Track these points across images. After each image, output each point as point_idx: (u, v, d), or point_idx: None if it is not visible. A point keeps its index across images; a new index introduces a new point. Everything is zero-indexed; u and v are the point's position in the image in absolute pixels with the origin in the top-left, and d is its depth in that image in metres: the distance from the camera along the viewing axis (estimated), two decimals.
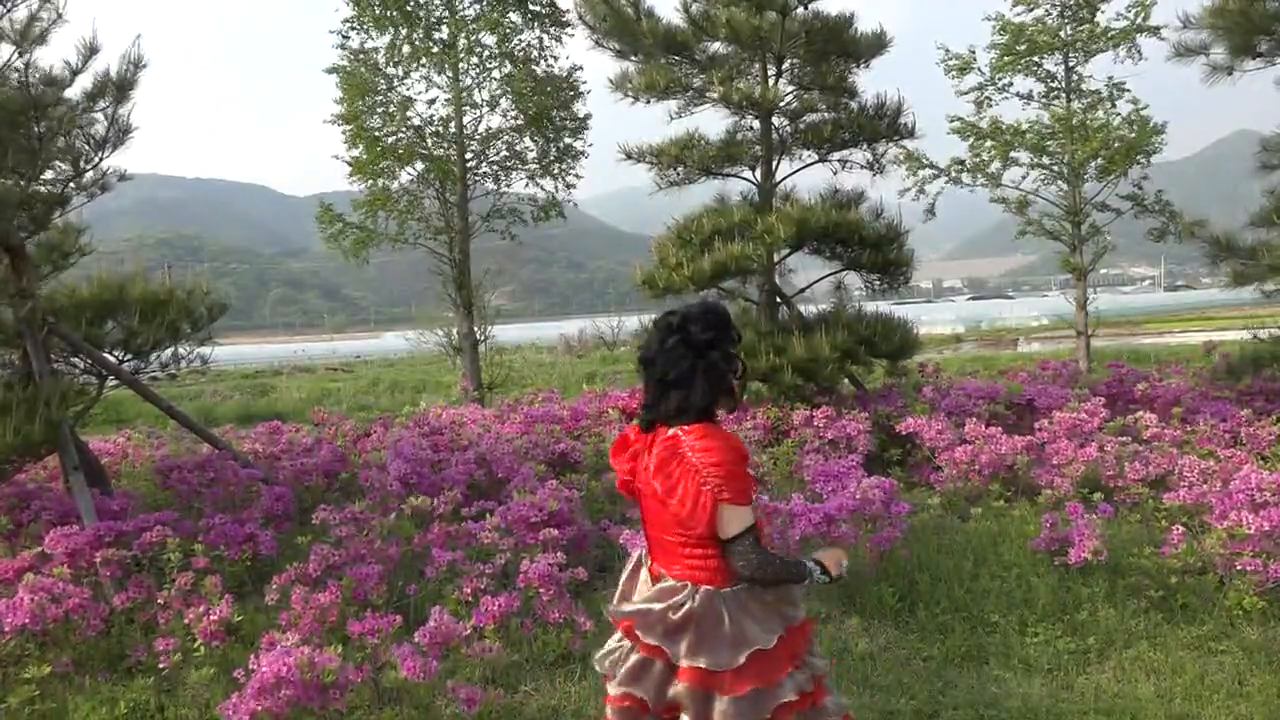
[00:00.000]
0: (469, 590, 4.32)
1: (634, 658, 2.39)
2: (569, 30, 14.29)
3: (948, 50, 13.29)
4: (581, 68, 14.70)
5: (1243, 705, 3.57)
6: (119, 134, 5.73)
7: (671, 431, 2.30)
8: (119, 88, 5.61)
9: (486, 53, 14.06)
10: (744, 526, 2.22)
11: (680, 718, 2.30)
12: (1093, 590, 4.58)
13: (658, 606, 2.31)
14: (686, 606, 2.27)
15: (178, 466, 6.86)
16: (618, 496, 6.21)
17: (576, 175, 14.94)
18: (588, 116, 14.79)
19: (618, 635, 2.51)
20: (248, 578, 5.08)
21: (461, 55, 13.79)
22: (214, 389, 23.58)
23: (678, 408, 2.28)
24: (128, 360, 6.86)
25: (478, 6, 13.96)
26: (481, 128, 14.39)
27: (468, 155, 14.20)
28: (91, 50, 5.63)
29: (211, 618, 3.99)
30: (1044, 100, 13.06)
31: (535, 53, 14.25)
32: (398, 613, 3.96)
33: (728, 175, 9.05)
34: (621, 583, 2.60)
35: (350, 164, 14.04)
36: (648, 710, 2.36)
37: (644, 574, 2.49)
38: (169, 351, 7.00)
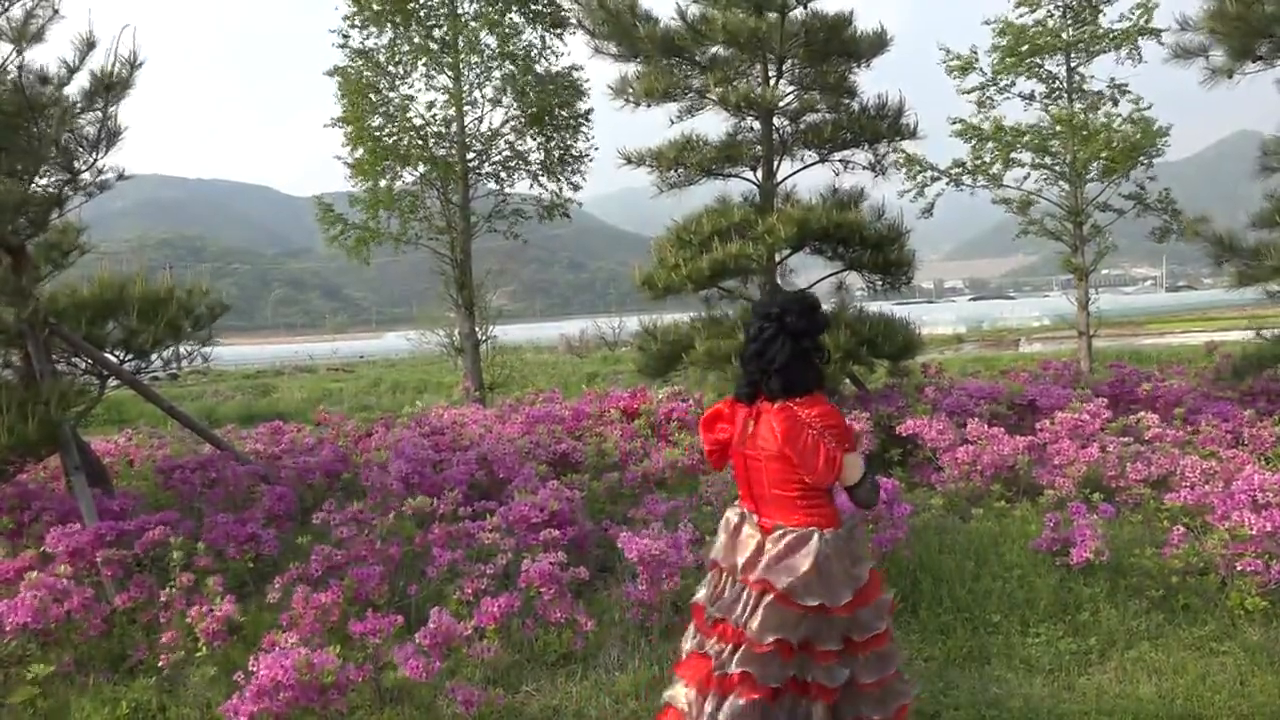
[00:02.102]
0: (470, 590, 4.32)
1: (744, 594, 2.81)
2: (570, 29, 14.29)
3: (949, 50, 13.30)
4: (582, 67, 14.71)
5: (1244, 705, 3.57)
6: (110, 135, 5.68)
7: (779, 405, 2.75)
8: (112, 86, 5.56)
9: (487, 51, 14.07)
10: (865, 469, 2.80)
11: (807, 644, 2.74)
12: (1094, 590, 4.58)
13: (781, 550, 2.75)
14: (817, 549, 2.72)
15: (179, 466, 6.86)
16: (619, 497, 6.22)
17: (582, 176, 14.95)
18: (589, 112, 14.76)
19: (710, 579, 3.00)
20: (249, 577, 5.08)
21: (462, 54, 13.80)
22: (215, 389, 23.60)
23: (784, 386, 2.75)
24: (129, 360, 6.86)
25: (477, 5, 13.96)
26: (483, 127, 14.42)
27: (469, 155, 14.21)
28: (89, 46, 5.57)
29: (214, 617, 3.99)
30: (1046, 101, 13.07)
31: (536, 52, 14.27)
32: (399, 613, 3.97)
33: (729, 176, 9.04)
34: (723, 540, 2.96)
35: (351, 166, 14.05)
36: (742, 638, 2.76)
37: (747, 529, 2.88)
38: (170, 351, 7.00)
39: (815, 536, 2.73)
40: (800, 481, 2.73)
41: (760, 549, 2.79)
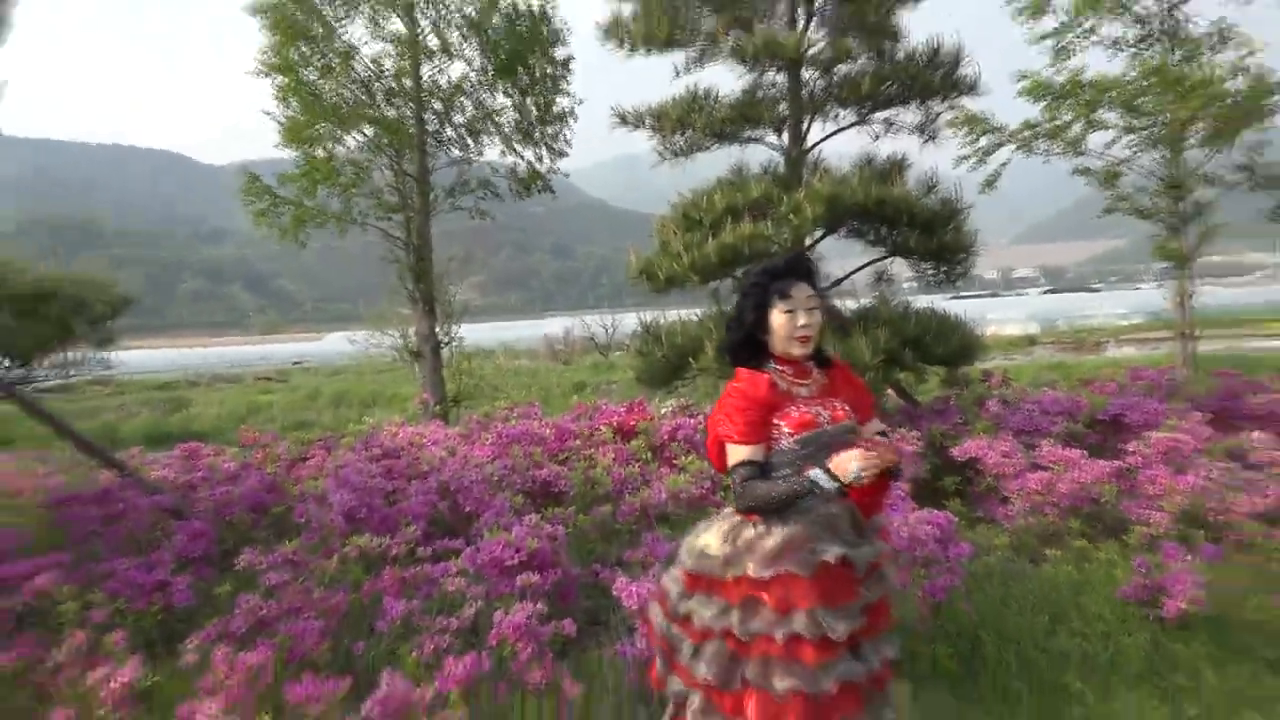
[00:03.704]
0: (430, 648, 4.33)
1: None
2: None
3: None
4: (557, 3, 14.64)
5: None
6: None
7: None
8: None
9: None
10: (734, 461, 2.96)
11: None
12: (1193, 649, 4.60)
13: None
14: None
15: (73, 498, 6.88)
16: (612, 534, 6.25)
17: (565, 141, 14.97)
18: (569, 60, 14.76)
19: None
20: (158, 634, 5.10)
21: None
22: (118, 403, 23.64)
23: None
24: (9, 367, 6.89)
25: None
26: (442, 80, 14.41)
27: (427, 116, 14.23)
28: None
29: (117, 682, 4.00)
30: (1137, 47, 13.09)
31: None
32: (344, 675, 3.98)
33: (746, 141, 9.07)
34: None
35: (283, 125, 14.01)
36: None
37: None
38: (60, 356, 7.02)
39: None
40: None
41: None
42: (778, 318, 3.02)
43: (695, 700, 3.03)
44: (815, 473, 2.84)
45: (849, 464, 2.78)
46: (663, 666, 3.22)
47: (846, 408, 3.07)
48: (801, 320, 3.00)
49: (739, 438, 2.95)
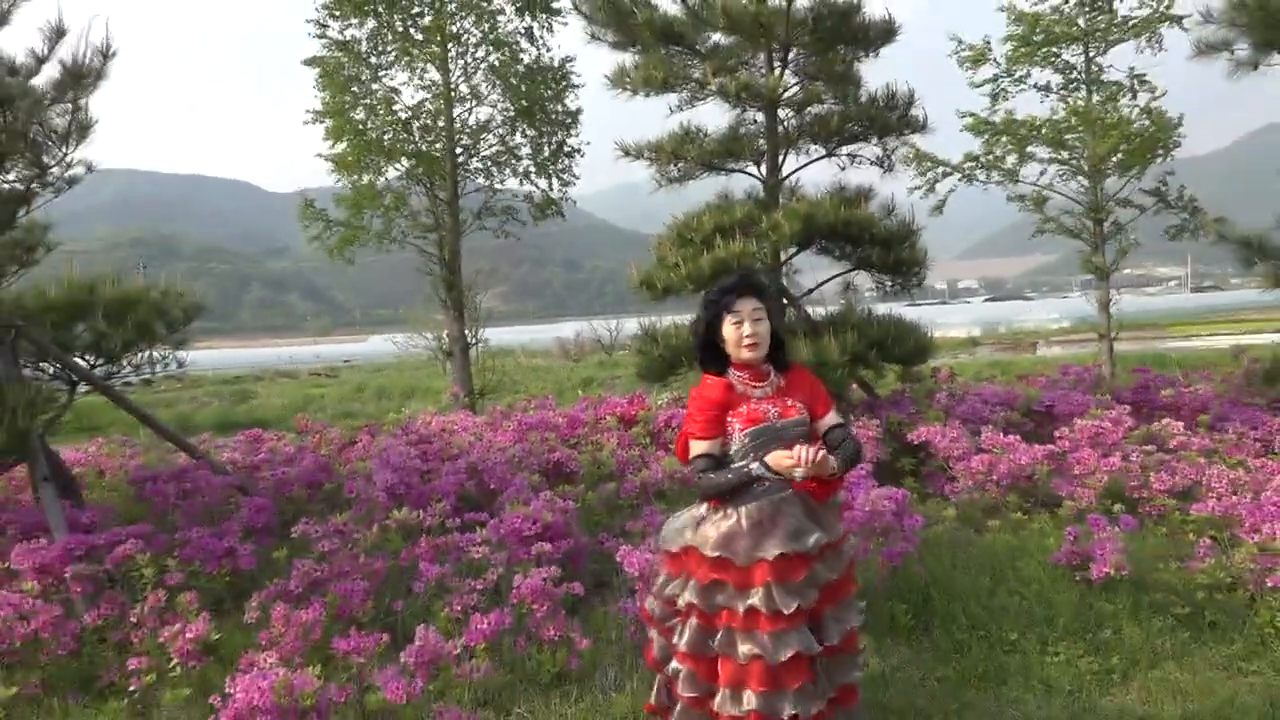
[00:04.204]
0: (459, 607, 4.31)
1: None
2: (561, 19, 14.32)
3: (960, 41, 13.32)
4: (574, 59, 14.72)
5: None
6: (81, 128, 5.66)
7: None
8: (83, 77, 5.53)
9: (473, 39, 14.07)
10: (694, 454, 3.00)
11: None
12: (1116, 607, 4.57)
13: None
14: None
15: (152, 477, 6.85)
16: (616, 508, 6.22)
17: (573, 175, 14.97)
18: (579, 111, 14.84)
19: None
20: (226, 594, 5.07)
21: (449, 43, 13.80)
22: (191, 395, 23.59)
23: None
24: (99, 365, 6.85)
25: None
26: (471, 120, 14.42)
27: (457, 150, 14.21)
28: (58, 34, 5.56)
29: (187, 636, 3.98)
30: (1063, 92, 13.08)
31: (524, 39, 14.26)
32: (384, 630, 3.95)
33: (731, 171, 9.05)
34: None
35: (333, 161, 14.05)
36: None
37: None
38: (142, 355, 6.99)
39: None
40: None
41: None
42: (728, 328, 3.01)
43: (682, 671, 3.04)
44: (755, 465, 2.89)
45: (781, 460, 2.81)
46: (661, 651, 3.21)
47: (800, 405, 3.04)
48: (748, 329, 2.98)
49: (698, 434, 2.99)
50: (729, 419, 2.98)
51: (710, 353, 3.10)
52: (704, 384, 3.08)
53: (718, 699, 2.91)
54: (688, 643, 2.99)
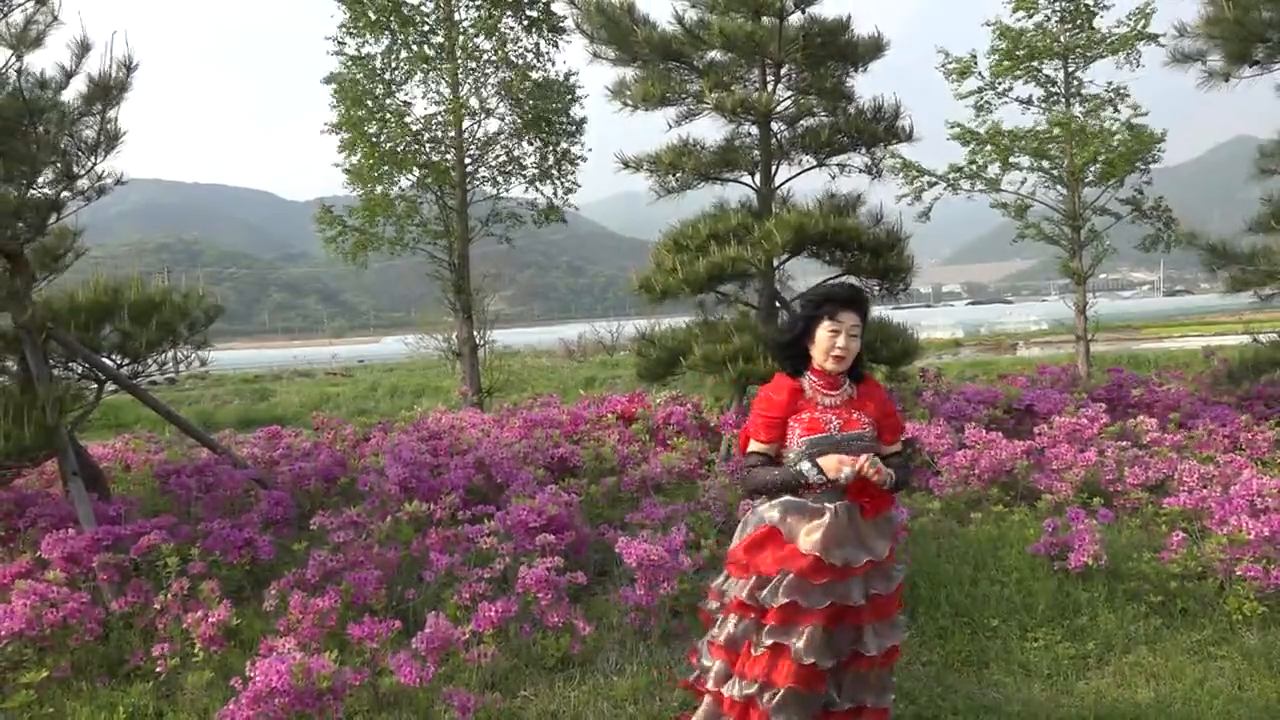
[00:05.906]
0: (467, 595, 4.31)
1: None
2: (565, 37, 14.36)
3: (947, 54, 13.34)
4: (577, 73, 14.80)
5: (1242, 710, 3.57)
6: (109, 139, 5.67)
7: None
8: (109, 90, 5.55)
9: (484, 57, 14.11)
10: (748, 451, 2.98)
11: None
12: (1092, 595, 4.58)
13: None
14: None
15: (176, 471, 6.85)
16: (617, 501, 6.23)
17: (574, 182, 14.99)
18: (583, 120, 14.87)
19: None
20: (246, 583, 5.07)
21: (459, 60, 13.83)
22: (213, 394, 23.58)
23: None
24: (125, 364, 6.85)
25: (473, 12, 14.01)
26: (480, 133, 14.44)
27: (466, 160, 14.23)
28: (84, 49, 5.56)
29: (209, 622, 3.98)
30: (1044, 105, 13.10)
31: (532, 57, 14.31)
32: (397, 617, 3.96)
33: (726, 180, 9.04)
34: None
35: (348, 172, 14.07)
36: None
37: None
38: (166, 355, 6.98)
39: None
40: None
41: None
42: (822, 333, 2.88)
43: (717, 666, 3.01)
44: (805, 465, 2.80)
45: (833, 462, 2.76)
46: (724, 666, 3.02)
47: (866, 420, 2.92)
48: (841, 342, 2.87)
49: (753, 434, 2.95)
50: (790, 423, 2.90)
51: (791, 351, 2.99)
52: (775, 384, 2.98)
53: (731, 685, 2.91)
54: (725, 637, 2.95)
